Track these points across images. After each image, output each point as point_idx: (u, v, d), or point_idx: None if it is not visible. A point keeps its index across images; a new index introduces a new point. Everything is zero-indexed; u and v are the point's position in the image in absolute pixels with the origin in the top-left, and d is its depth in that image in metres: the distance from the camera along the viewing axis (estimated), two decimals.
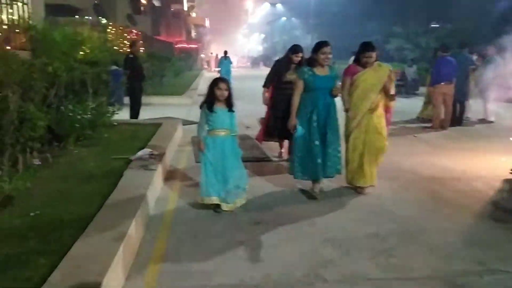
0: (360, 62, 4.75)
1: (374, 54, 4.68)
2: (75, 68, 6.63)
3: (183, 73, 29.26)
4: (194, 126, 9.95)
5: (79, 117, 5.95)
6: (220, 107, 4.30)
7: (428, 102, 10.43)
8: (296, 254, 3.48)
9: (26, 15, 8.68)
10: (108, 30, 14.28)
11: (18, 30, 8.26)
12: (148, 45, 26.18)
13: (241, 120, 10.67)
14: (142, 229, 3.77)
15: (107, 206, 3.77)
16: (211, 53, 47.14)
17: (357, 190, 4.94)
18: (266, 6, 55.26)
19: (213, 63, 40.55)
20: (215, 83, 4.31)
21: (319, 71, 4.61)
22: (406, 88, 17.14)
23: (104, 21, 13.44)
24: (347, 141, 4.91)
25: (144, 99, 12.08)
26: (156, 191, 4.77)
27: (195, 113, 12.06)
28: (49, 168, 5.08)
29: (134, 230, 3.40)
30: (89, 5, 17.70)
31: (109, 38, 12.63)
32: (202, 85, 20.67)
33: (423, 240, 3.76)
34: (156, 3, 38.41)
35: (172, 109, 12.08)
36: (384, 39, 32.86)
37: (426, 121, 10.19)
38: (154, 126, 7.95)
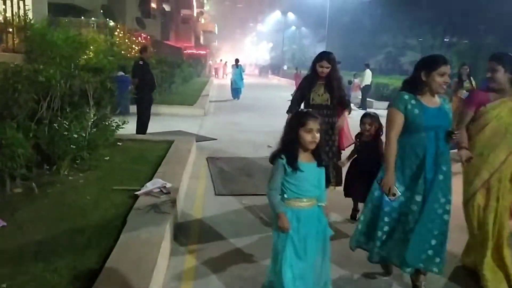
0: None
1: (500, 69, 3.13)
2: (74, 76, 5.57)
3: (192, 80, 28.29)
4: (209, 144, 8.93)
5: (75, 135, 4.88)
6: (306, 162, 2.58)
7: None
8: None
9: (21, 12, 7.72)
10: (116, 33, 13.28)
11: (11, 30, 7.28)
12: (157, 49, 25.26)
13: (263, 139, 9.73)
14: None
15: None
16: (220, 60, 46.20)
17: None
18: (277, 14, 54.31)
19: (221, 71, 39.63)
20: (300, 120, 2.57)
21: (427, 100, 2.93)
22: None
23: (111, 23, 12.43)
24: (465, 207, 3.31)
25: (153, 108, 11.08)
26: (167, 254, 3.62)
27: (208, 126, 11.03)
28: (31, 202, 4.00)
29: None
30: (97, 6, 16.78)
31: (116, 42, 11.61)
32: (212, 93, 19.64)
33: None
34: (166, 8, 37.58)
35: (183, 121, 11.02)
36: (398, 51, 31.95)
37: None
38: (165, 144, 6.87)
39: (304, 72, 21.65)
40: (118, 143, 6.37)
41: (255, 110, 14.28)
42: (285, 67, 47.52)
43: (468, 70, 9.11)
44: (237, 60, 19.43)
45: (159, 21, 31.45)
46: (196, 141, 8.14)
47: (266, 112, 13.99)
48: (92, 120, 5.64)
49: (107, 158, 5.51)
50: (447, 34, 27.85)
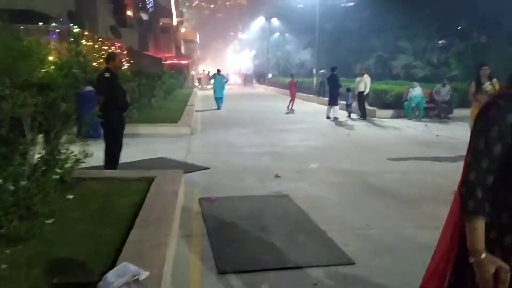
0: None
1: None
2: (3, 97, 3.76)
3: (175, 92, 26.44)
4: (200, 175, 6.69)
5: None
6: None
7: None
8: None
9: None
10: (83, 41, 11.43)
11: None
12: (136, 60, 23.40)
13: (267, 164, 7.55)
14: None
15: None
16: (203, 70, 44.44)
17: None
18: (260, 20, 52.88)
19: (204, 81, 37.87)
20: None
21: None
22: (438, 111, 14.54)
23: (76, 29, 10.62)
24: None
25: (129, 128, 9.37)
26: None
27: (197, 149, 8.96)
28: None
29: None
30: (63, 12, 14.91)
31: (82, 51, 9.78)
32: (197, 106, 17.82)
33: None
34: (144, 17, 35.76)
35: (167, 143, 9.21)
36: (389, 55, 30.61)
37: None
38: (142, 184, 5.07)
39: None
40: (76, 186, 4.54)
41: (249, 125, 12.53)
42: (269, 75, 45.94)
43: (489, 71, 7.62)
44: (218, 70, 19.65)
45: (137, 30, 29.60)
46: (184, 173, 6.37)
47: (261, 127, 12.25)
48: (31, 161, 3.84)
49: (50, 221, 3.66)
50: (441, 35, 26.65)
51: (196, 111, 18.64)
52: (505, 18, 22.30)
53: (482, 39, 27.01)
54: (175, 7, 53.46)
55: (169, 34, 43.75)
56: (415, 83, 14.78)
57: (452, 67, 20.91)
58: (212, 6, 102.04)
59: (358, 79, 14.89)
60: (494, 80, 7.44)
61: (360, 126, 12.65)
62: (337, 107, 14.78)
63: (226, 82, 19.88)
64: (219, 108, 18.02)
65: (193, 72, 49.79)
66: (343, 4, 37.74)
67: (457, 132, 11.14)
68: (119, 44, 16.27)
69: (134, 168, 6.78)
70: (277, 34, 56.67)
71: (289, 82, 18.88)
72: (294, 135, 10.69)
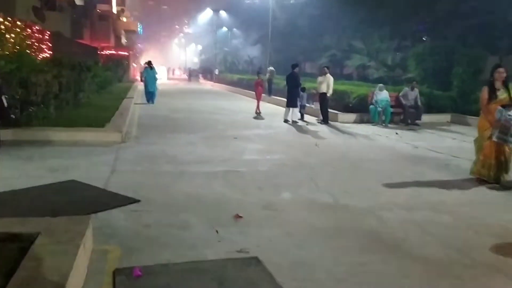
0: None
1: None
2: None
3: (112, 86, 23.62)
4: (122, 214, 4.15)
5: None
6: None
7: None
8: None
9: None
10: None
11: None
12: (66, 49, 20.36)
13: (220, 194, 5.04)
14: None
15: None
16: (145, 63, 41.24)
17: None
18: (208, 13, 50.39)
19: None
20: None
21: None
22: (404, 117, 13.27)
23: None
24: None
25: (38, 133, 7.34)
26: None
27: (125, 167, 6.47)
28: None
29: None
30: None
31: None
32: (136, 108, 15.39)
33: None
34: (78, 1, 32.21)
35: (86, 156, 6.96)
36: (343, 54, 29.58)
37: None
38: (9, 250, 2.93)
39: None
40: None
41: (196, 130, 10.44)
42: (216, 71, 43.71)
43: (505, 75, 6.18)
44: (149, 62, 18.72)
45: (69, 15, 26.27)
46: (100, 211, 4.30)
47: (212, 133, 10.22)
48: None
49: None
50: (394, 36, 25.86)
51: (135, 103, 16.34)
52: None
53: (439, 40, 26.65)
54: None
55: (107, 22, 40.03)
56: (382, 85, 13.39)
57: (411, 69, 19.93)
58: None
59: (320, 78, 13.23)
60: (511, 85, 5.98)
61: (325, 133, 10.98)
62: (296, 110, 13.08)
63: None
64: (152, 102, 17.22)
65: (134, 64, 46.42)
66: (292, 1, 36.32)
67: (433, 143, 9.78)
68: (39, 28, 13.50)
69: (17, 202, 4.57)
70: (225, 29, 54.52)
71: (255, 81, 15.81)
72: (252, 144, 8.77)
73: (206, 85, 39.56)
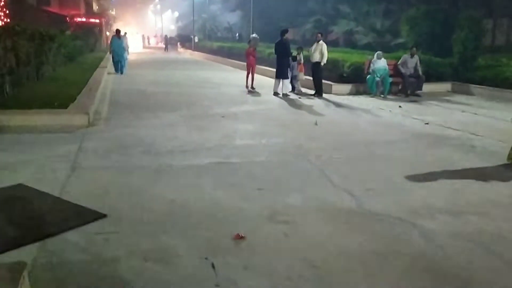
0: None
1: None
2: None
3: (82, 57, 21.81)
4: (80, 237, 2.92)
5: None
6: None
7: None
8: None
9: None
10: None
11: None
12: (28, 17, 18.44)
13: (212, 200, 3.61)
14: None
15: None
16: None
17: None
18: None
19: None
20: None
21: None
22: (404, 87, 12.19)
23: None
24: None
25: None
26: None
27: (89, 162, 4.94)
28: None
29: None
30: None
31: None
32: (108, 80, 13.89)
33: None
34: None
35: (42, 146, 5.67)
36: (328, 19, 28.07)
37: None
38: None
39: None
40: None
41: (177, 108, 9.16)
42: (196, 39, 41.63)
43: None
44: (118, 31, 17.50)
45: None
46: (48, 236, 3.15)
47: (195, 111, 8.97)
48: None
49: None
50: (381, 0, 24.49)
51: (109, 73, 14.86)
52: None
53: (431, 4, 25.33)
54: None
55: None
56: (380, 53, 12.19)
57: (403, 34, 18.73)
58: None
59: (314, 46, 11.94)
60: None
61: (322, 108, 9.84)
62: (287, 81, 11.84)
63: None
64: (121, 73, 16.33)
65: (108, 32, 43.85)
66: None
67: (443, 117, 8.76)
68: None
69: None
70: None
71: (246, 50, 13.62)
72: (242, 124, 7.58)
73: (185, 54, 37.66)
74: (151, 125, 7.33)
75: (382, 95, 11.75)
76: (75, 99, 8.48)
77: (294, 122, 8.15)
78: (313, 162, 5.42)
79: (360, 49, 20.91)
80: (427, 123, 8.06)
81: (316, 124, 7.81)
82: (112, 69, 16.86)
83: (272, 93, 11.65)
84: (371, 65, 12.00)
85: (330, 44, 26.28)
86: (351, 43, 24.95)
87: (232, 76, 17.26)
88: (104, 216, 3.61)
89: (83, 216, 3.61)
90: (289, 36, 12.71)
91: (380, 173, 5.05)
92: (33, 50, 10.82)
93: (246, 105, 9.91)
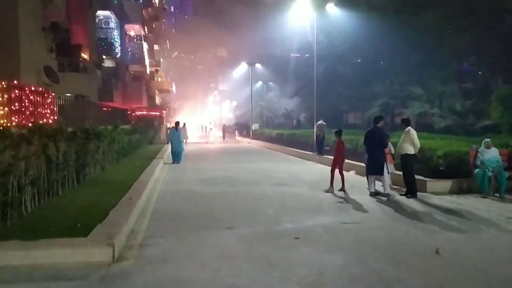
0: None
1: None
2: None
3: (139, 150, 21.03)
4: None
5: None
6: None
7: None
8: None
9: None
10: None
11: None
12: (85, 112, 18.06)
13: None
14: None
15: None
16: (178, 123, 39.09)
17: None
18: (243, 67, 48.59)
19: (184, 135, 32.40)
20: None
21: None
22: None
23: None
24: None
25: None
26: None
27: None
28: None
29: None
30: None
31: None
32: (159, 178, 12.18)
33: None
34: (110, 63, 30.96)
35: None
36: (397, 102, 26.04)
37: None
38: None
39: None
40: None
41: (240, 220, 7.01)
42: (254, 126, 40.53)
43: None
44: (177, 123, 18.24)
45: (95, 76, 24.44)
46: None
47: (263, 227, 6.75)
48: None
49: None
50: (461, 78, 22.24)
51: (165, 163, 13.34)
52: None
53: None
54: (151, 56, 49.14)
55: (140, 83, 38.77)
56: (488, 140, 9.67)
57: (495, 115, 16.14)
58: (192, 57, 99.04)
59: (404, 136, 9.66)
60: None
61: (428, 217, 7.29)
62: (386, 177, 9.48)
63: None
64: (178, 162, 16.89)
65: (168, 124, 44.60)
66: (338, 49, 33.63)
67: None
68: (41, 89, 10.93)
69: None
70: (260, 83, 52.49)
71: (336, 143, 10.65)
72: (328, 254, 5.23)
73: (243, 142, 36.72)
74: (199, 258, 5.17)
75: (497, 195, 9.03)
76: (107, 214, 6.63)
77: (405, 246, 5.65)
78: None
79: (437, 133, 18.38)
80: None
81: (437, 252, 5.29)
82: (169, 160, 17.23)
83: (369, 193, 9.34)
84: (479, 155, 9.46)
85: (400, 128, 24.01)
86: (425, 127, 22.50)
87: (297, 167, 15.25)
88: None
89: None
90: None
91: None
92: (73, 151, 9.50)
93: (328, 215, 7.55)
